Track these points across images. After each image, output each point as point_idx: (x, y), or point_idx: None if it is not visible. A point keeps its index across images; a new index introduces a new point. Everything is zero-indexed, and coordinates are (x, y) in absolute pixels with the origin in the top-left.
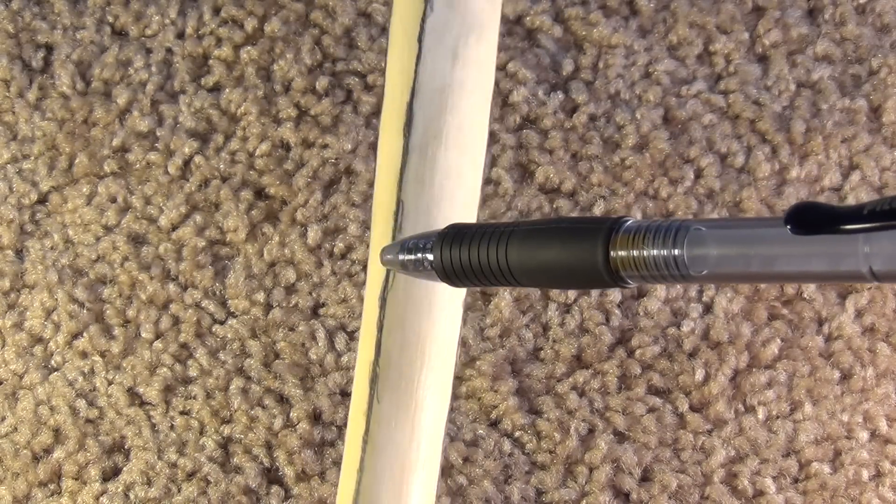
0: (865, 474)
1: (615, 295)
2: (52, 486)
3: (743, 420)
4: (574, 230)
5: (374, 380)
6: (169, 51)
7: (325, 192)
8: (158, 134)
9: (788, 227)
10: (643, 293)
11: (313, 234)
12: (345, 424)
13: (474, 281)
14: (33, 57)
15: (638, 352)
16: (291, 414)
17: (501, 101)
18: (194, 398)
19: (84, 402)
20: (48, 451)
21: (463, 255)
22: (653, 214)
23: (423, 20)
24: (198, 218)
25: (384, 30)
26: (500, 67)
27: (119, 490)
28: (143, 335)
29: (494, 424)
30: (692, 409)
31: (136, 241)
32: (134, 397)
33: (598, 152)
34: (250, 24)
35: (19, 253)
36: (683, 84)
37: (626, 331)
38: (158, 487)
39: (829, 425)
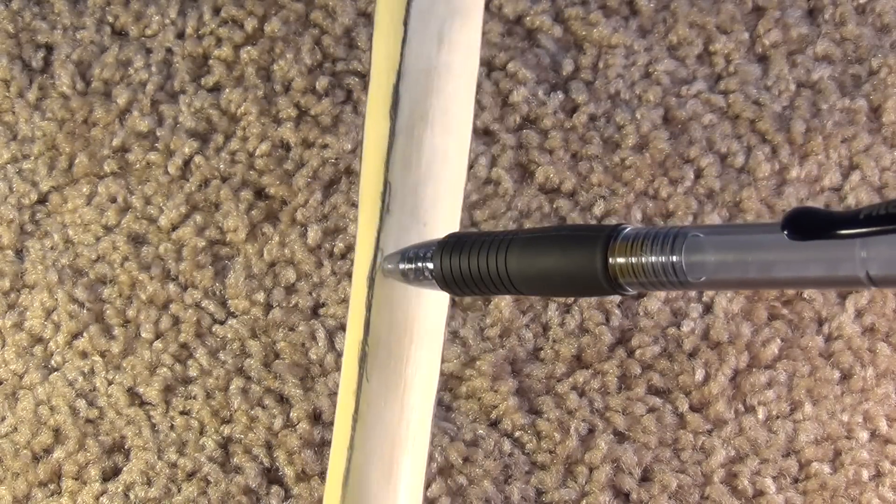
0: (865, 474)
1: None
2: (52, 486)
3: (743, 420)
4: (573, 238)
5: (363, 359)
6: (169, 51)
7: (325, 192)
8: (158, 134)
9: (785, 232)
10: (643, 293)
11: (313, 234)
12: None
13: (474, 289)
14: (33, 57)
15: (638, 352)
16: (291, 414)
17: (501, 101)
18: (194, 398)
19: (84, 402)
20: (48, 451)
21: (463, 264)
22: (653, 214)
23: (409, 4)
24: (198, 218)
25: None
26: (501, 67)
27: (119, 490)
28: (143, 335)
29: (494, 424)
30: (692, 409)
31: (136, 241)
32: (134, 397)
33: (598, 152)
34: (250, 24)
35: (19, 253)
36: (683, 84)
37: (626, 331)
38: (158, 487)
39: (829, 425)
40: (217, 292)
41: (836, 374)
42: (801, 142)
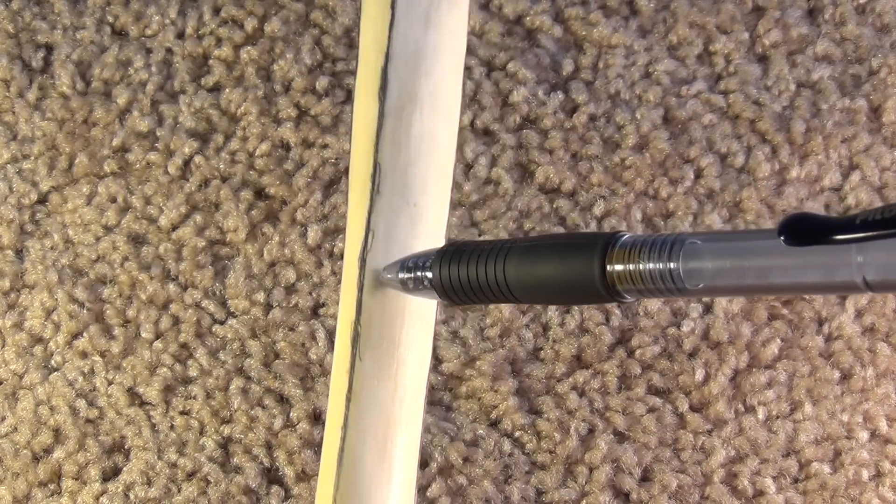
0: (865, 474)
1: None
2: (52, 486)
3: (743, 420)
4: (570, 246)
5: (355, 339)
6: (169, 51)
7: (325, 192)
8: (158, 134)
9: (782, 238)
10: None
11: (313, 234)
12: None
13: (473, 298)
14: (33, 57)
15: (638, 352)
16: (291, 414)
17: (501, 101)
18: (194, 398)
19: (84, 402)
20: (48, 451)
21: (462, 272)
22: (653, 214)
23: None
24: (198, 218)
25: None
26: (501, 67)
27: (119, 490)
28: (143, 335)
29: (494, 424)
30: (692, 409)
31: (136, 241)
32: (134, 397)
33: (598, 152)
34: (250, 24)
35: (19, 253)
36: (683, 84)
37: (626, 331)
38: (158, 487)
39: (829, 425)
40: (217, 292)
41: (836, 374)
42: (801, 142)
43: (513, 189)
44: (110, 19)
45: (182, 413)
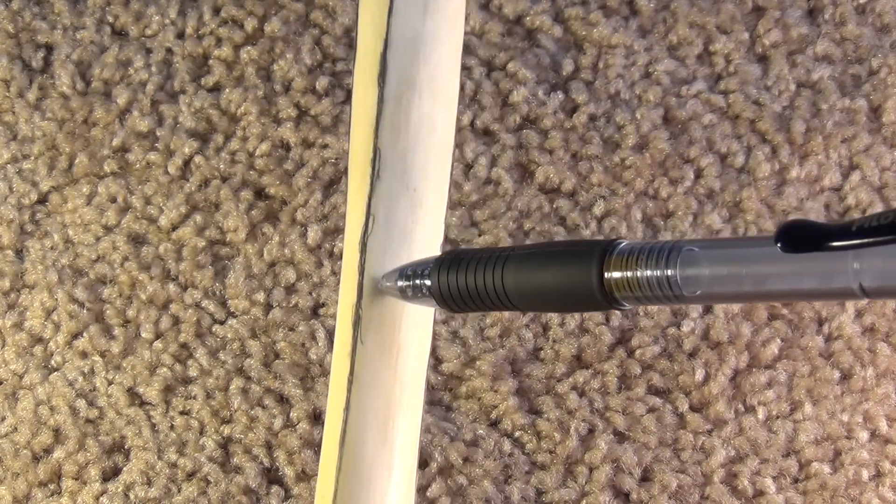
0: (865, 474)
1: None
2: (52, 486)
3: (743, 420)
4: (568, 253)
5: (357, 322)
6: (169, 51)
7: (325, 192)
8: (158, 134)
9: (779, 245)
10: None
11: (313, 234)
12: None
13: (472, 306)
14: (33, 57)
15: (638, 352)
16: (291, 414)
17: (501, 101)
18: (194, 398)
19: (84, 402)
20: (48, 451)
21: (460, 280)
22: (653, 214)
23: None
24: (198, 218)
25: None
26: (501, 67)
27: (119, 490)
28: (143, 335)
29: (494, 424)
30: (692, 409)
31: (136, 241)
32: (134, 397)
33: (598, 152)
34: (250, 24)
35: (19, 253)
36: (683, 84)
37: (626, 331)
38: (158, 487)
39: (829, 425)
40: (217, 292)
41: (836, 374)
42: (801, 142)
43: (513, 189)
44: (110, 19)
45: (182, 413)
